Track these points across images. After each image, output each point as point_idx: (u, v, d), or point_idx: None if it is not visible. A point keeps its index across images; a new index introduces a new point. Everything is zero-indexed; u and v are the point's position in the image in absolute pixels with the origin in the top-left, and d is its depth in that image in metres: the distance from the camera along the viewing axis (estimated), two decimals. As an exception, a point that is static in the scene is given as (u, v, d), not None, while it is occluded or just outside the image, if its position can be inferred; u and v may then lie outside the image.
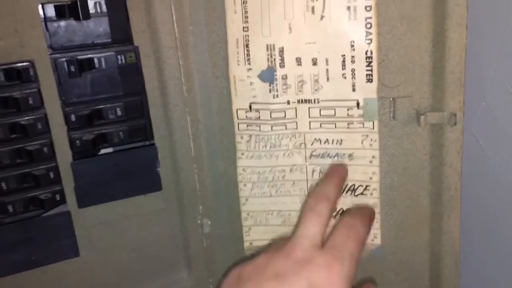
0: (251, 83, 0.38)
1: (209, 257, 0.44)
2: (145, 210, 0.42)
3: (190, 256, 0.44)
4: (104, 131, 0.39)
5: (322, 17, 0.35)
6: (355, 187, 0.39)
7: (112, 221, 0.41)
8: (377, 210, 0.39)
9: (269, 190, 0.40)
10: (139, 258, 0.43)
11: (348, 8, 0.35)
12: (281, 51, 0.36)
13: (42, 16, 0.36)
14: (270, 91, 0.38)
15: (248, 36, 0.37)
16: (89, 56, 0.37)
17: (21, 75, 0.36)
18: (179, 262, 0.44)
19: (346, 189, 0.39)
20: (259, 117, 0.38)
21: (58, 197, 0.39)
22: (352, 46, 0.36)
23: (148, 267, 0.44)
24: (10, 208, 0.38)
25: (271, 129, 0.39)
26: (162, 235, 0.43)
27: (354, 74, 0.36)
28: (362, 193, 0.39)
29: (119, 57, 0.38)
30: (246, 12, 0.36)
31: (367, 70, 0.36)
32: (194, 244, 0.44)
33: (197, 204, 0.43)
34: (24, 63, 0.36)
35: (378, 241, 0.40)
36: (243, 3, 0.36)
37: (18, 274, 0.39)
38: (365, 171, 0.38)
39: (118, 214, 0.41)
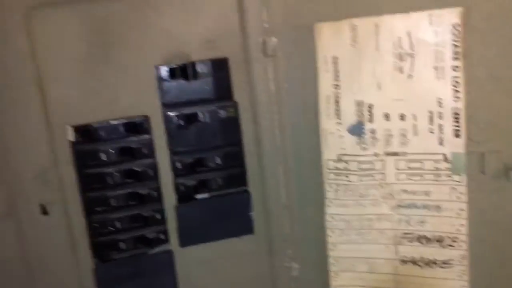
0: (340, 136, 0.41)
1: (296, 300, 0.46)
2: (238, 252, 0.45)
3: (278, 298, 0.46)
4: (204, 177, 0.44)
5: (410, 76, 0.38)
6: (442, 239, 0.40)
7: (209, 260, 0.45)
8: (465, 262, 0.40)
9: (357, 238, 0.42)
10: (230, 297, 0.46)
11: (436, 68, 0.37)
12: (370, 107, 0.39)
13: (157, 77, 0.41)
14: (358, 143, 0.40)
15: (338, 93, 0.40)
16: (195, 111, 0.42)
17: (137, 128, 0.41)
18: (267, 303, 0.47)
19: (434, 239, 0.40)
20: (348, 167, 0.41)
21: (162, 236, 0.44)
22: (439, 103, 0.37)
23: (239, 306, 0.47)
24: (122, 245, 0.43)
25: (359, 179, 0.41)
26: (253, 275, 0.46)
27: (442, 129, 0.38)
28: (449, 245, 0.40)
29: (220, 111, 0.43)
30: (337, 71, 0.39)
31: (454, 126, 0.37)
32: (282, 286, 0.46)
33: (287, 248, 0.45)
34: (141, 118, 0.41)
35: (467, 294, 0.40)
36: (334, 63, 0.39)
37: (125, 305, 0.44)
38: (453, 223, 0.39)
39: (214, 254, 0.45)
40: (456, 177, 0.38)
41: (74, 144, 0.40)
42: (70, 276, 0.42)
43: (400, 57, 0.37)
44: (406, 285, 0.42)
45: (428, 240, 0.40)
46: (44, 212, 0.40)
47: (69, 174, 0.40)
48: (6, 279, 0.40)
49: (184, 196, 0.43)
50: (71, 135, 0.40)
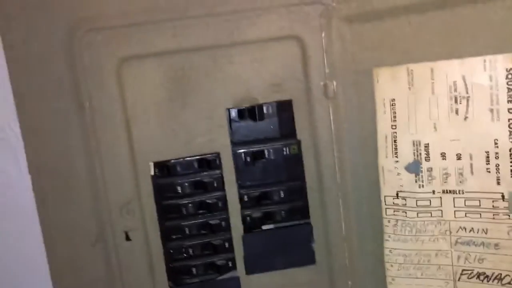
0: (398, 174, 0.43)
1: (356, 330, 0.48)
2: (300, 281, 0.48)
3: (338, 328, 0.48)
4: (269, 210, 0.47)
5: (465, 117, 0.39)
6: (502, 276, 0.40)
7: (273, 288, 0.48)
8: (526, 300, 0.40)
9: (415, 272, 0.43)
10: (293, 325, 0.48)
11: (491, 110, 0.38)
12: (426, 146, 0.41)
13: (228, 118, 0.45)
14: (416, 181, 0.42)
15: (396, 133, 0.42)
16: (261, 148, 0.46)
17: (209, 164, 0.45)
18: (328, 332, 0.49)
19: (493, 277, 0.41)
20: (406, 204, 0.43)
21: (230, 264, 0.47)
22: (495, 143, 0.39)
23: (300, 334, 0.49)
24: (194, 271, 0.47)
25: (417, 215, 0.42)
26: (314, 305, 0.48)
27: (498, 168, 0.39)
28: (509, 283, 0.40)
29: (284, 149, 0.46)
30: (394, 112, 0.42)
31: (511, 166, 0.38)
32: (342, 316, 0.48)
33: (347, 279, 0.47)
34: (213, 155, 0.46)
35: (528, 332, 0.40)
36: (392, 105, 0.42)
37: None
38: (512, 261, 0.40)
39: (277, 283, 0.48)
40: (514, 216, 0.39)
41: (154, 178, 0.45)
42: (148, 297, 0.46)
43: (456, 100, 0.39)
44: (465, 321, 0.43)
45: (487, 277, 0.41)
46: (127, 238, 0.45)
47: (149, 205, 0.45)
48: (95, 297, 0.45)
49: (250, 226, 0.47)
50: (152, 170, 0.45)
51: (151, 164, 0.45)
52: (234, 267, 0.47)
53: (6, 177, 0.44)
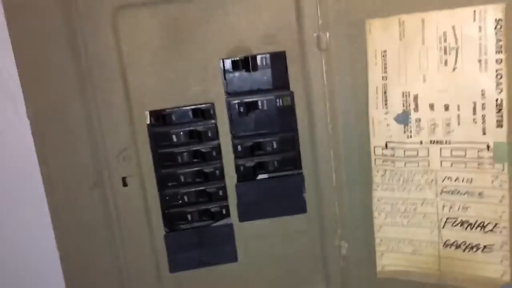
0: (387, 125, 0.43)
1: (345, 276, 0.49)
2: (291, 229, 0.49)
3: (328, 274, 0.50)
4: (262, 160, 0.48)
5: (454, 68, 0.40)
6: (485, 224, 0.42)
7: (264, 235, 0.49)
8: (506, 247, 0.41)
9: (401, 220, 0.45)
10: (283, 270, 0.50)
11: (479, 61, 0.39)
12: (416, 97, 0.42)
13: (222, 68, 0.46)
14: (404, 132, 0.43)
15: (386, 84, 0.43)
16: (255, 99, 0.47)
17: (204, 114, 0.46)
18: (317, 278, 0.50)
19: (476, 225, 0.42)
20: (394, 154, 0.44)
21: (224, 211, 0.49)
22: (482, 94, 0.39)
23: (290, 279, 0.51)
24: (189, 217, 0.49)
25: (405, 165, 0.43)
26: (304, 252, 0.50)
27: (485, 119, 0.40)
28: (491, 230, 0.41)
29: (277, 100, 0.47)
30: (385, 64, 0.42)
31: (497, 116, 0.39)
32: (331, 263, 0.50)
33: (336, 228, 0.49)
34: (207, 104, 0.47)
35: (507, 277, 0.42)
36: (383, 56, 0.42)
37: (190, 271, 0.49)
38: (495, 210, 0.41)
39: (269, 230, 0.49)
40: (498, 166, 0.40)
41: (150, 127, 0.46)
42: (145, 240, 0.48)
43: (445, 51, 0.40)
44: (448, 268, 0.44)
45: (470, 225, 0.42)
46: (125, 184, 0.46)
47: (145, 153, 0.46)
48: (91, 238, 0.47)
49: (244, 176, 0.48)
50: (147, 119, 0.46)
51: (147, 113, 0.46)
52: (227, 214, 0.49)
53: (5, 120, 0.46)
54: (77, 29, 0.43)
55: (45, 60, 0.43)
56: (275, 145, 0.48)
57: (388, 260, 0.46)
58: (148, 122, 0.46)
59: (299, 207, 0.49)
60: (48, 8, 0.42)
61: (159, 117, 0.46)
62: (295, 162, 0.48)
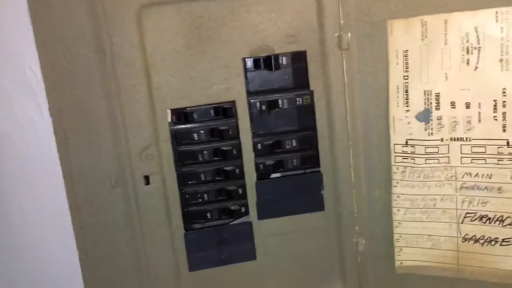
0: (408, 123, 0.44)
1: (362, 273, 0.50)
2: (309, 227, 0.50)
3: (345, 270, 0.51)
4: (282, 158, 0.49)
5: (476, 67, 0.41)
6: (504, 218, 0.43)
7: (283, 233, 0.50)
8: (525, 241, 0.43)
9: (420, 216, 0.46)
10: (301, 267, 0.51)
11: (501, 60, 0.40)
12: (437, 95, 0.43)
13: (244, 67, 0.47)
14: (425, 129, 0.44)
15: (407, 83, 0.44)
16: (275, 98, 0.47)
17: (225, 112, 0.47)
18: (335, 275, 0.51)
19: (495, 219, 0.43)
20: (414, 151, 0.45)
21: (243, 209, 0.49)
22: (503, 92, 0.41)
23: (308, 275, 0.51)
24: (208, 215, 0.49)
25: (425, 162, 0.45)
26: (321, 249, 0.50)
27: (505, 116, 0.41)
28: (510, 224, 0.43)
29: (297, 99, 0.47)
30: (407, 63, 0.43)
31: (517, 113, 0.41)
32: (349, 260, 0.50)
33: (354, 225, 0.49)
34: (229, 103, 0.47)
35: (526, 270, 0.43)
36: (405, 56, 0.43)
37: (209, 269, 0.50)
38: (514, 204, 0.42)
39: (287, 228, 0.50)
40: (517, 161, 0.42)
41: (171, 125, 0.46)
42: (165, 238, 0.48)
43: (468, 51, 0.41)
44: (467, 261, 0.45)
45: (489, 219, 0.44)
46: (147, 182, 0.46)
47: (167, 151, 0.46)
48: (111, 237, 0.47)
49: (263, 174, 0.49)
50: (169, 117, 0.46)
51: (168, 111, 0.46)
52: (246, 213, 0.49)
53: (28, 118, 0.45)
54: (102, 27, 0.43)
55: (69, 58, 0.43)
56: (294, 143, 0.48)
57: (406, 256, 0.47)
58: (169, 120, 0.46)
59: (317, 205, 0.50)
60: (73, 6, 0.42)
61: (181, 115, 0.46)
62: (314, 160, 0.49)
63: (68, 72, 0.43)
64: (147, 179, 0.46)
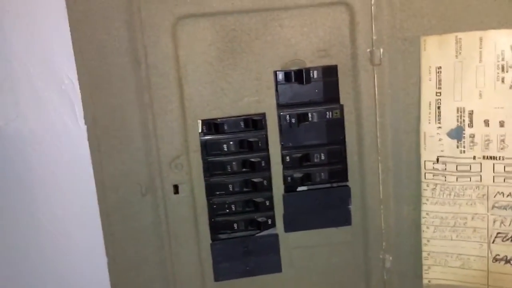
0: (439, 139, 0.44)
1: (388, 289, 0.50)
2: (336, 241, 0.50)
3: (370, 287, 0.50)
4: (310, 171, 0.49)
5: (511, 86, 0.41)
6: (537, 240, 0.42)
7: (309, 246, 0.50)
8: (559, 263, 0.42)
9: (450, 234, 0.45)
10: (326, 282, 0.50)
11: (537, 79, 0.40)
12: (471, 113, 0.42)
13: (275, 80, 0.47)
14: (457, 147, 0.44)
15: (440, 99, 0.43)
16: (305, 111, 0.47)
17: (255, 124, 0.47)
18: (360, 291, 0.51)
19: (527, 240, 0.43)
20: (445, 169, 0.44)
21: (270, 221, 0.49)
22: (539, 112, 0.40)
23: (333, 290, 0.51)
24: (235, 226, 0.49)
25: (456, 180, 0.44)
26: (347, 264, 0.50)
27: (540, 136, 0.40)
28: (543, 246, 0.42)
29: (327, 113, 0.47)
30: (440, 80, 0.43)
31: (553, 134, 0.40)
32: (375, 276, 0.50)
33: (381, 241, 0.49)
34: (259, 115, 0.47)
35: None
36: (438, 72, 0.43)
37: (235, 280, 0.50)
38: (548, 225, 0.42)
39: (314, 241, 0.50)
40: (552, 182, 0.41)
41: (201, 136, 0.47)
42: (191, 248, 0.48)
43: (503, 69, 0.41)
44: (497, 282, 0.45)
45: (521, 240, 0.43)
46: (176, 192, 0.47)
47: (196, 161, 0.47)
48: (140, 245, 0.47)
49: (291, 186, 0.49)
50: (200, 128, 0.47)
51: (199, 122, 0.47)
52: (273, 225, 0.49)
53: (64, 126, 0.46)
54: (138, 38, 0.44)
55: (105, 67, 0.44)
56: (323, 157, 0.48)
57: (435, 274, 0.47)
58: (200, 130, 0.47)
59: (344, 219, 0.49)
60: (111, 16, 0.43)
61: (211, 126, 0.47)
62: (342, 174, 0.49)
63: (104, 81, 0.44)
64: (176, 188, 0.47)
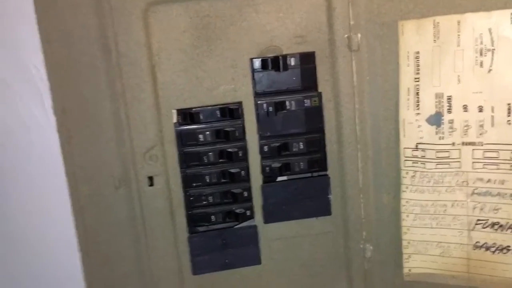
0: (418, 126, 0.43)
1: (369, 279, 0.49)
2: (316, 231, 0.49)
3: (351, 277, 0.50)
4: (288, 161, 0.48)
5: (489, 70, 0.40)
6: (516, 226, 0.42)
7: (289, 237, 0.49)
8: (539, 248, 0.41)
9: (430, 222, 0.45)
10: (307, 273, 0.50)
11: (515, 62, 0.39)
12: (449, 98, 0.42)
13: (251, 68, 0.46)
14: (436, 133, 0.43)
15: (418, 85, 0.43)
16: (283, 99, 0.46)
17: (232, 113, 0.46)
18: (341, 281, 0.50)
19: (507, 226, 0.42)
20: (425, 156, 0.44)
21: (248, 212, 0.48)
22: (518, 96, 0.40)
23: (314, 281, 0.50)
24: (213, 218, 0.48)
25: (436, 167, 0.44)
26: (328, 254, 0.49)
27: (519, 121, 0.40)
28: (523, 232, 0.42)
29: (305, 101, 0.46)
30: (418, 65, 0.42)
31: (532, 118, 0.39)
32: (355, 266, 0.49)
33: (361, 230, 0.48)
34: (235, 104, 0.46)
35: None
36: (416, 58, 0.42)
37: (214, 273, 0.49)
38: (527, 211, 0.41)
39: (293, 232, 0.49)
40: (532, 167, 0.40)
41: (176, 126, 0.46)
42: (168, 241, 0.47)
43: (481, 53, 0.40)
44: (477, 270, 0.44)
45: (501, 226, 0.42)
46: (151, 183, 0.45)
47: (171, 152, 0.46)
48: (114, 239, 0.46)
49: (269, 177, 0.48)
50: (174, 118, 0.45)
51: (174, 112, 0.45)
52: (252, 216, 0.48)
53: (32, 117, 0.45)
54: (108, 25, 0.42)
55: (74, 56, 0.42)
56: (301, 146, 0.47)
57: (415, 263, 0.46)
58: (175, 120, 0.45)
59: (324, 209, 0.49)
60: (79, 3, 0.42)
61: (186, 116, 0.46)
62: (321, 163, 0.48)
63: (73, 70, 0.43)
64: (151, 180, 0.46)
